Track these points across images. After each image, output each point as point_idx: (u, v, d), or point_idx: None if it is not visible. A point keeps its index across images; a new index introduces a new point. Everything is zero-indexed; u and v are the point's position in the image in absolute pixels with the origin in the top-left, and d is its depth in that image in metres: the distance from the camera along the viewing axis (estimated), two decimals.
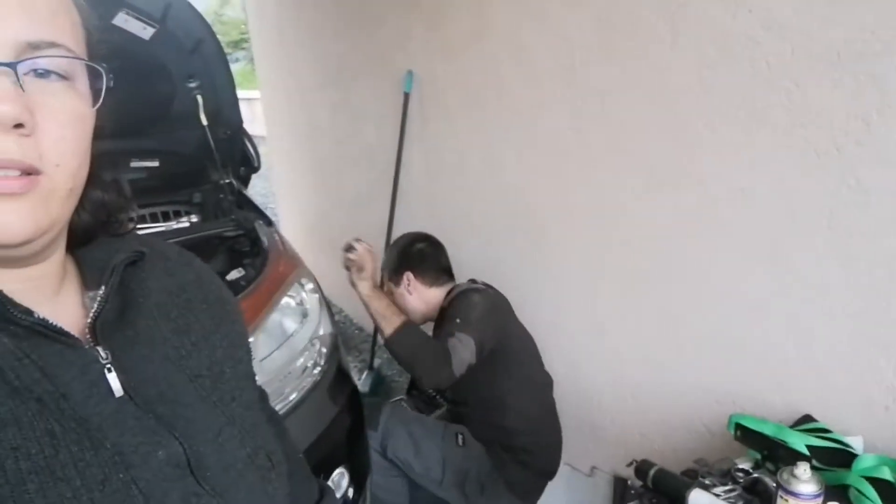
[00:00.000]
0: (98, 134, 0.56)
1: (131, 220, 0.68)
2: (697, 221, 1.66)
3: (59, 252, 0.59)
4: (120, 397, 0.55)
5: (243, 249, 2.01)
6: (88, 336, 0.57)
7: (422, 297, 2.18)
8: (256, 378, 1.80)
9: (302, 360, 1.80)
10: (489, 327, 1.93)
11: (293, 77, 4.17)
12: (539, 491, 2.11)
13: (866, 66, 1.24)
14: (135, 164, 2.11)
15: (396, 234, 3.06)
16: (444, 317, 2.05)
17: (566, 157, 2.01)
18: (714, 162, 1.58)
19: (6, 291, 0.50)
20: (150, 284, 0.66)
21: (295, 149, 4.55)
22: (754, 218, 1.52)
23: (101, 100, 0.56)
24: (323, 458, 1.68)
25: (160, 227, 1.99)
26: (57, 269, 0.59)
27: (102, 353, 0.56)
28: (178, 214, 2.14)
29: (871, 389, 1.37)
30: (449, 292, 2.14)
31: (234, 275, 1.85)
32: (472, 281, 2.19)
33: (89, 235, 0.64)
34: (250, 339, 1.63)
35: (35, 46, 0.48)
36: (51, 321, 0.52)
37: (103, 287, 0.60)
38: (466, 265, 2.64)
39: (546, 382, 2.16)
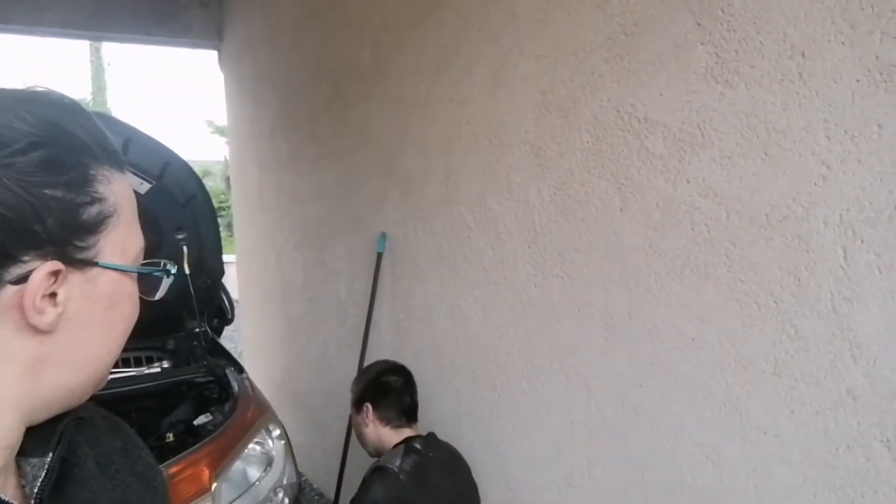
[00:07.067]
0: None
1: None
2: (652, 370, 1.75)
3: None
4: None
5: (212, 395, 2.02)
6: None
7: (377, 432, 2.12)
8: None
9: None
10: None
11: (270, 239, 4.36)
12: None
13: (791, 227, 1.41)
14: None
15: None
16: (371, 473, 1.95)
17: (530, 310, 2.13)
18: (666, 314, 1.70)
19: None
20: (85, 450, 0.61)
21: (265, 308, 4.62)
22: (706, 366, 1.62)
23: None
24: None
25: (132, 371, 1.99)
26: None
27: None
28: (150, 360, 2.15)
29: None
30: (396, 445, 2.05)
31: (201, 419, 1.84)
32: (411, 444, 2.04)
33: None
34: (213, 485, 1.61)
35: None
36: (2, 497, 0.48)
37: (50, 454, 0.53)
38: (439, 420, 2.64)
39: None
